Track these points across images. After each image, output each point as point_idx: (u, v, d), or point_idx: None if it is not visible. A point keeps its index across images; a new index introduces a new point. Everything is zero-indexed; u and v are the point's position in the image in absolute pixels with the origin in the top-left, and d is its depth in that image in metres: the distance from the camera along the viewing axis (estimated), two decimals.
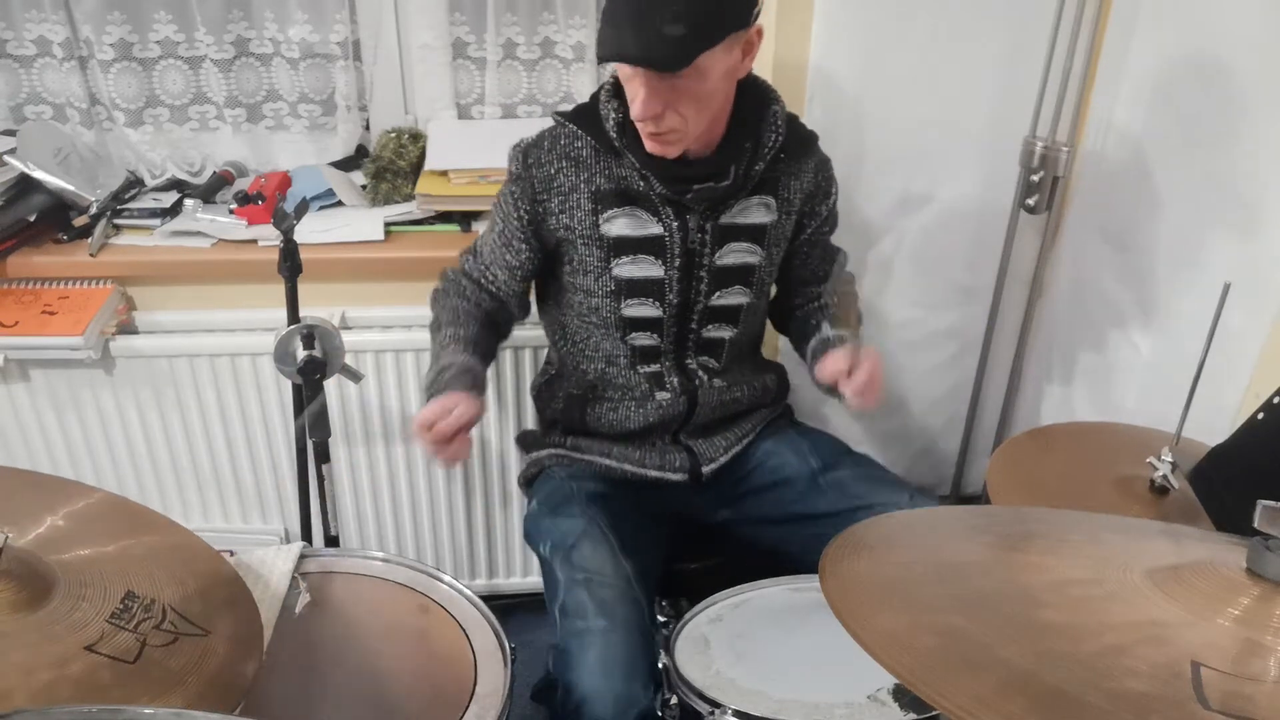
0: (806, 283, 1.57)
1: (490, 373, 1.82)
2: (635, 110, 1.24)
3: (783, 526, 1.48)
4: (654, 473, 1.50)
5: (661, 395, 1.47)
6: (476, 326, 1.43)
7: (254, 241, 1.76)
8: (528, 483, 1.60)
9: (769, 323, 1.65)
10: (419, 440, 1.30)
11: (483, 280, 1.46)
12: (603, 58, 1.22)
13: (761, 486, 1.51)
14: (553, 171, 1.36)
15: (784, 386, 1.62)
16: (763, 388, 1.56)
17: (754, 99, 1.36)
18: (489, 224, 1.47)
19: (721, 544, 1.56)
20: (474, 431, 1.88)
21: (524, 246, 1.40)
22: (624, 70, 1.24)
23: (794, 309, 1.60)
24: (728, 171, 1.33)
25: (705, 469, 1.51)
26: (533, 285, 1.51)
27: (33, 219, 1.75)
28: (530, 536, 1.52)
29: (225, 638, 0.95)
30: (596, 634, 1.26)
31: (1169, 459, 1.18)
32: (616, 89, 1.35)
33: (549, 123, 1.39)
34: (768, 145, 1.35)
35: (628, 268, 1.38)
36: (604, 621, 1.27)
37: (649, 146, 1.29)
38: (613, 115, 1.33)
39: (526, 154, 1.37)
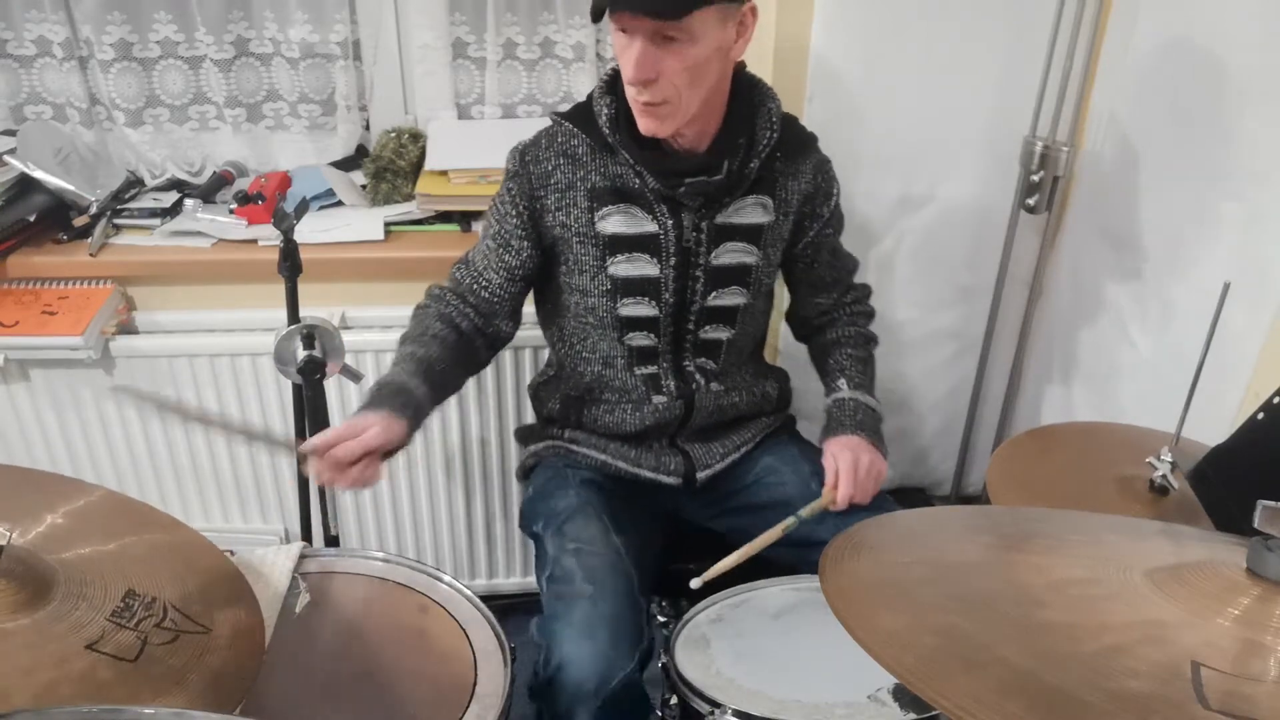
0: (818, 290, 1.55)
1: (490, 371, 1.83)
2: (629, 74, 1.22)
3: (778, 548, 1.47)
4: (648, 473, 1.50)
5: (658, 399, 1.47)
6: (440, 350, 1.34)
7: (254, 241, 1.77)
8: (525, 474, 1.61)
9: (787, 330, 1.65)
10: (309, 462, 1.16)
11: (475, 287, 1.41)
12: (600, 8, 1.19)
13: (759, 504, 1.50)
14: (549, 169, 1.36)
15: (785, 395, 1.61)
16: (762, 394, 1.55)
17: (749, 96, 1.36)
18: (483, 231, 1.45)
19: (717, 551, 1.56)
20: (473, 430, 1.91)
21: (524, 245, 1.39)
22: (619, 38, 1.22)
23: (810, 321, 1.59)
24: (721, 167, 1.33)
25: (700, 474, 1.50)
26: (528, 295, 1.48)
27: (33, 219, 1.75)
28: (524, 520, 1.53)
29: (227, 634, 0.95)
30: (583, 598, 1.26)
31: (1169, 459, 1.18)
32: (610, 86, 1.35)
33: (548, 123, 1.39)
34: (762, 142, 1.35)
35: (623, 266, 1.38)
36: (590, 587, 1.26)
37: (642, 125, 1.28)
38: (606, 111, 1.33)
39: (524, 153, 1.37)
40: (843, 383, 1.49)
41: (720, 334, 1.46)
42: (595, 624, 1.23)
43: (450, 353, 1.36)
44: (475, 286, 1.42)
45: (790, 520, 1.32)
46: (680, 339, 1.45)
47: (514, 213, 1.38)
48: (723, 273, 1.41)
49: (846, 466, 1.37)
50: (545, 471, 1.54)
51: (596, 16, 1.20)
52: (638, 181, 1.35)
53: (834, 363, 1.54)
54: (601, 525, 1.37)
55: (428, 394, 1.29)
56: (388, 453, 1.22)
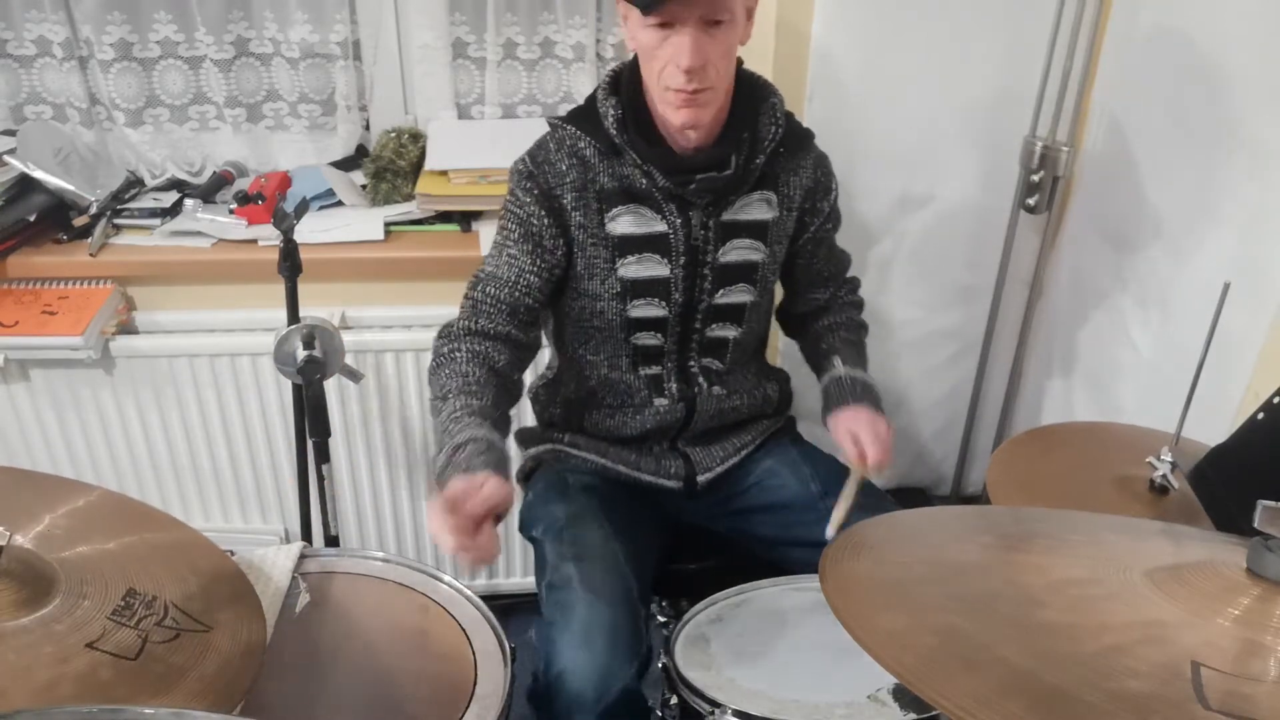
0: (813, 286, 1.55)
1: None
2: (684, 63, 1.22)
3: (780, 548, 1.46)
4: (649, 477, 1.50)
5: (660, 401, 1.46)
6: (491, 394, 1.27)
7: (254, 241, 1.76)
8: (525, 477, 1.60)
9: (777, 327, 1.65)
10: (440, 535, 1.07)
11: (512, 297, 1.33)
12: (654, 4, 1.19)
13: (760, 506, 1.50)
14: (564, 168, 1.35)
15: (786, 396, 1.61)
16: (763, 397, 1.55)
17: (750, 91, 1.37)
18: (498, 247, 1.38)
19: (718, 552, 1.56)
20: None
21: (559, 241, 1.35)
22: (655, 34, 1.23)
23: (803, 315, 1.59)
24: (729, 162, 1.33)
25: (701, 478, 1.50)
26: None
27: (33, 219, 1.75)
28: (524, 524, 1.52)
29: (227, 633, 0.95)
30: (581, 605, 1.25)
31: (1169, 459, 1.18)
32: (613, 87, 1.35)
33: (547, 126, 1.39)
34: (767, 137, 1.35)
35: (633, 268, 1.38)
36: (589, 594, 1.26)
37: (681, 117, 1.27)
38: (612, 113, 1.33)
39: (534, 155, 1.36)
40: (838, 361, 1.49)
41: (727, 332, 1.45)
42: (594, 633, 1.22)
43: (498, 394, 1.30)
44: (513, 297, 1.34)
45: (856, 474, 1.33)
46: (687, 338, 1.44)
47: (539, 211, 1.34)
48: (730, 270, 1.41)
49: (869, 436, 1.36)
50: (545, 476, 1.53)
51: (650, 9, 1.21)
52: (645, 181, 1.35)
53: (827, 346, 1.54)
54: (601, 531, 1.36)
55: (503, 444, 1.23)
56: (498, 517, 1.14)
